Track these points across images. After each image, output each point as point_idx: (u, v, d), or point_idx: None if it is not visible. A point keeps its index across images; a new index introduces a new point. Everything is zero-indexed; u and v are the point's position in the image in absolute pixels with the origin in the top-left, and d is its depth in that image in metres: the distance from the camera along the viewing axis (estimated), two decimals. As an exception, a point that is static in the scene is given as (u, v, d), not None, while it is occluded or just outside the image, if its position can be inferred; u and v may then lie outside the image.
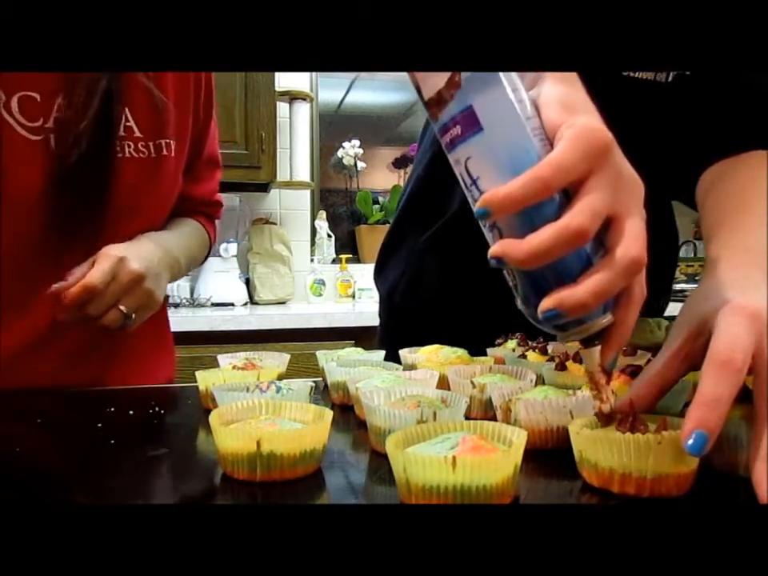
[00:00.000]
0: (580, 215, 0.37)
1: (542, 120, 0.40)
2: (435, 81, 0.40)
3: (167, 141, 0.82)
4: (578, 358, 0.61)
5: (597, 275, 0.38)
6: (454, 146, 0.40)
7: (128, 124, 0.77)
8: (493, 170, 0.39)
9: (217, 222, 1.05)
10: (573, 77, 0.43)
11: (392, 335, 0.99)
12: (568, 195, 0.39)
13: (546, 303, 0.39)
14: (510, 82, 0.40)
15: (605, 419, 0.43)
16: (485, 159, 0.39)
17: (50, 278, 0.71)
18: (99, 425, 0.59)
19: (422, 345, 0.72)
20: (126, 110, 0.77)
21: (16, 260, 0.75)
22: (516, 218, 0.39)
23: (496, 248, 0.39)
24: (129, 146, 0.78)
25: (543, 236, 0.37)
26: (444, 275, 0.91)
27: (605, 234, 0.40)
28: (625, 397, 0.45)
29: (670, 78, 0.73)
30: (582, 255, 0.39)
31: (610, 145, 0.39)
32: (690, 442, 0.37)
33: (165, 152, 0.81)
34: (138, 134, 0.78)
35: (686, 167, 0.72)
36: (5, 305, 0.76)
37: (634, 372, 0.52)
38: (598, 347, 0.42)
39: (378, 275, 1.02)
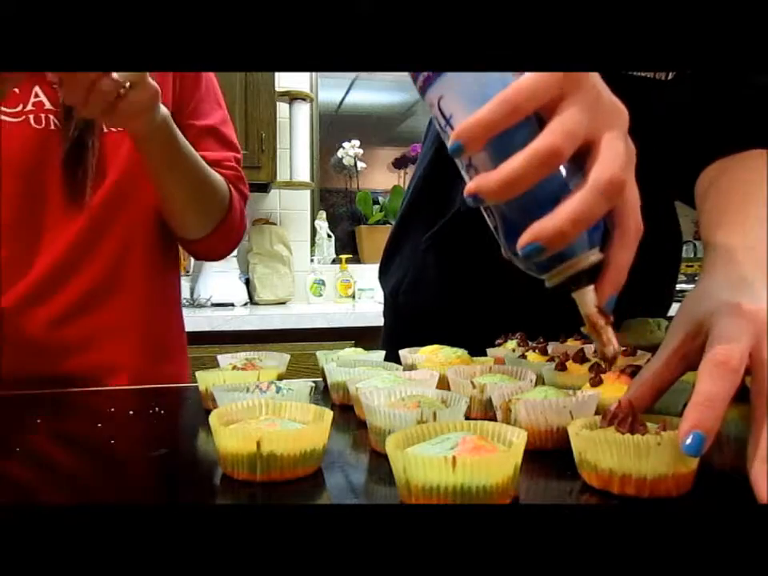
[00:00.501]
0: (551, 135, 0.36)
1: None
2: None
3: None
4: (578, 358, 0.61)
5: (572, 200, 0.36)
6: (426, 88, 0.39)
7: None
8: (464, 106, 0.38)
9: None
10: None
11: (396, 336, 0.99)
12: (543, 124, 0.37)
13: (524, 237, 0.37)
14: None
15: (608, 363, 0.42)
16: (456, 95, 0.38)
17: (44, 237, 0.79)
18: (99, 425, 0.59)
19: (424, 345, 0.72)
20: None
21: (13, 222, 0.81)
22: (491, 153, 0.37)
23: (470, 185, 0.37)
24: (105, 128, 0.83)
25: (515, 163, 0.35)
26: (445, 275, 0.91)
27: (584, 161, 0.38)
28: (623, 397, 0.45)
29: (669, 76, 0.73)
30: (560, 183, 0.37)
31: None
32: (688, 442, 0.37)
33: None
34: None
35: (684, 165, 0.72)
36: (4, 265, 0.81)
37: (634, 372, 0.52)
38: (591, 287, 0.40)
39: (383, 275, 1.03)
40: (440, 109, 0.39)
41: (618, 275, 0.40)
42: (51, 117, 0.81)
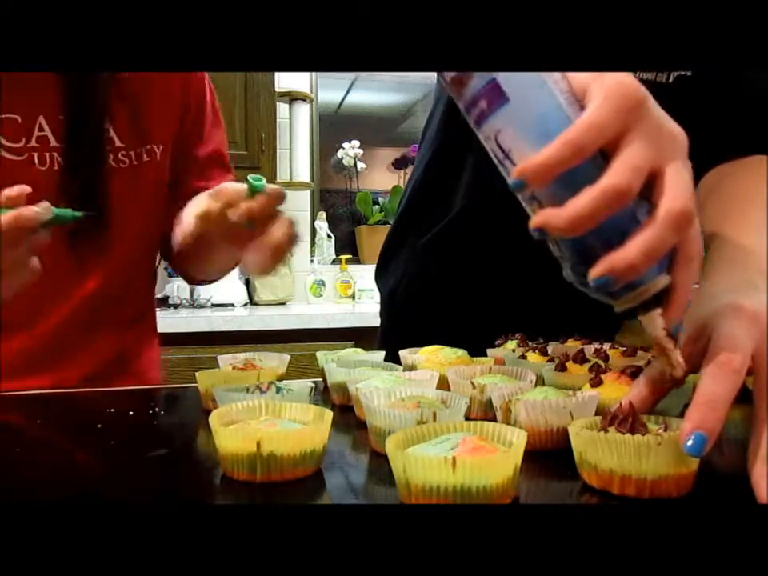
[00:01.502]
0: (620, 173, 0.36)
1: (569, 82, 0.39)
2: None
3: (149, 147, 0.82)
4: (578, 359, 0.61)
5: (645, 233, 0.37)
6: (481, 122, 0.39)
7: (108, 136, 0.78)
8: (524, 140, 0.38)
9: None
10: None
11: (393, 336, 0.99)
12: (606, 156, 0.37)
13: (596, 270, 0.37)
14: None
15: (677, 383, 0.42)
16: (515, 130, 0.38)
17: (46, 290, 0.72)
18: (99, 425, 0.59)
19: (423, 345, 0.72)
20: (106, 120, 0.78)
21: None
22: (554, 186, 0.37)
23: (537, 219, 0.37)
24: (109, 157, 0.78)
25: (584, 200, 0.36)
26: (445, 276, 0.91)
27: (649, 190, 0.38)
28: (624, 398, 0.45)
29: (670, 79, 0.73)
30: (628, 215, 0.37)
31: (643, 98, 0.38)
32: (689, 443, 0.37)
33: (147, 158, 0.81)
34: (118, 143, 0.79)
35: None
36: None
37: (633, 372, 0.52)
38: (658, 311, 0.40)
39: (380, 276, 1.02)
40: (498, 143, 0.39)
41: (684, 298, 0.40)
42: (56, 156, 0.74)
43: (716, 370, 0.39)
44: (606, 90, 0.37)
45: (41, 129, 0.73)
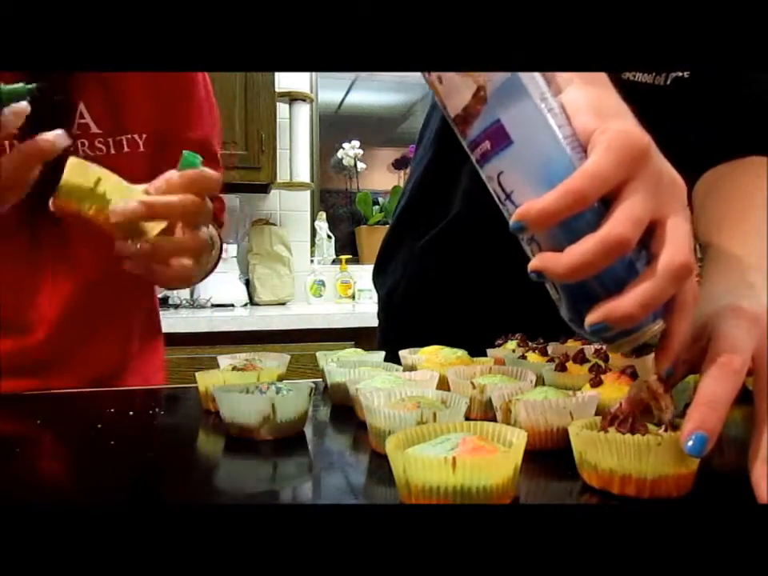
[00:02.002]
0: (620, 224, 0.36)
1: (573, 127, 0.39)
2: (460, 97, 0.39)
3: (129, 136, 0.78)
4: (578, 359, 0.61)
5: (644, 284, 0.37)
6: (484, 161, 0.40)
7: (82, 121, 0.74)
8: (526, 183, 0.38)
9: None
10: (601, 77, 0.42)
11: (391, 337, 0.99)
12: (607, 203, 0.37)
13: (593, 317, 0.37)
14: (537, 90, 0.39)
15: (670, 428, 0.42)
16: (517, 173, 0.38)
17: (20, 285, 0.71)
18: (99, 425, 0.59)
19: (422, 346, 0.72)
20: (81, 105, 0.74)
21: None
22: (554, 231, 0.37)
23: (535, 262, 0.38)
24: (83, 144, 0.75)
25: (583, 248, 0.36)
26: (444, 277, 0.91)
27: (649, 239, 0.38)
28: (624, 399, 0.44)
29: (668, 81, 0.73)
30: (627, 263, 0.38)
31: (647, 148, 0.38)
32: (690, 443, 0.37)
33: (127, 148, 0.78)
34: (94, 129, 0.75)
35: (683, 170, 0.73)
36: None
37: (633, 373, 0.52)
38: (651, 356, 0.41)
39: (377, 277, 1.02)
40: (500, 183, 0.39)
41: (678, 343, 0.40)
42: (16, 143, 0.68)
43: (716, 370, 0.39)
44: (609, 138, 0.37)
45: None
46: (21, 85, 0.55)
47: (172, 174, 0.59)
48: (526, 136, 0.38)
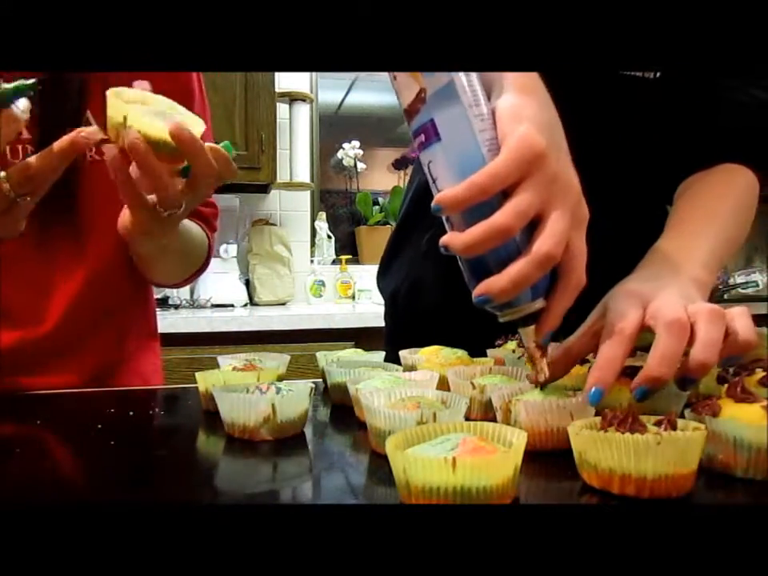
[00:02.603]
0: (505, 215, 0.44)
1: (494, 131, 0.46)
2: (408, 94, 0.46)
3: None
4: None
5: (516, 266, 0.44)
6: (420, 150, 0.48)
7: (89, 124, 0.75)
8: (447, 174, 0.46)
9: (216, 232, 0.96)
10: (534, 85, 0.49)
11: (397, 339, 0.99)
12: (507, 195, 0.45)
13: (478, 289, 0.46)
14: (470, 97, 0.45)
15: (539, 386, 0.51)
16: (441, 164, 0.46)
17: (31, 283, 0.73)
18: (99, 425, 0.59)
19: (423, 346, 0.72)
20: (88, 112, 0.75)
21: None
22: (463, 214, 0.46)
23: (443, 238, 0.46)
24: (90, 150, 0.76)
25: (476, 231, 0.44)
26: (444, 276, 0.91)
27: (535, 229, 0.45)
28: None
29: (657, 74, 0.75)
30: (512, 248, 0.45)
31: (541, 154, 0.44)
32: (590, 394, 0.47)
33: None
34: (101, 135, 0.76)
35: (666, 174, 0.75)
36: None
37: (633, 373, 0.52)
38: (532, 327, 0.49)
39: (382, 279, 1.02)
40: (429, 169, 0.48)
41: (553, 319, 0.49)
42: (29, 147, 0.73)
43: (611, 338, 0.49)
44: (512, 142, 0.44)
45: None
46: (23, 81, 0.55)
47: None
48: (452, 136, 0.46)
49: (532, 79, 0.49)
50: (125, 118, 0.55)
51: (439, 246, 0.46)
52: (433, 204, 0.45)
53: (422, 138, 0.47)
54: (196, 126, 0.60)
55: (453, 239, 0.45)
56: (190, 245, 0.85)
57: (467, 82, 0.45)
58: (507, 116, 0.46)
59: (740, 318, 0.51)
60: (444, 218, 0.48)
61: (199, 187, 0.63)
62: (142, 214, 0.63)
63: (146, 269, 0.86)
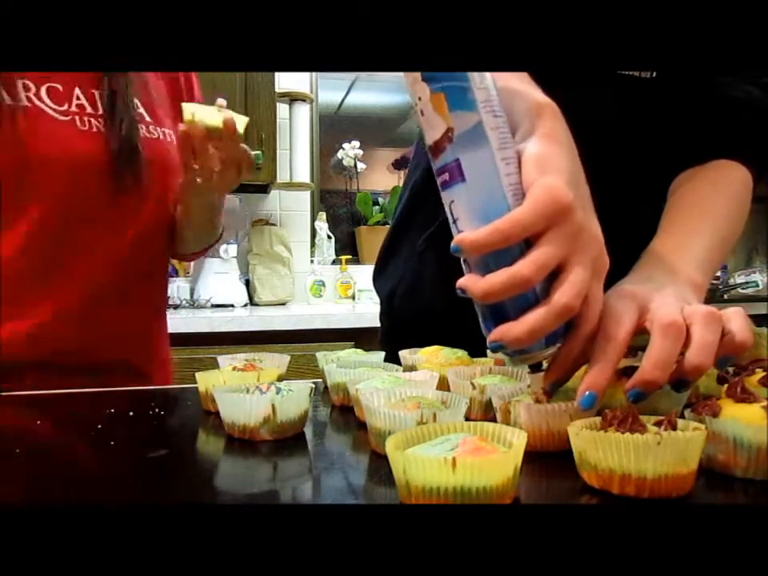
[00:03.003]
0: (527, 266, 0.43)
1: (519, 176, 0.46)
2: (434, 132, 0.46)
3: (166, 130, 0.93)
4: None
5: (532, 315, 0.44)
6: (443, 188, 0.47)
7: (139, 110, 0.91)
8: (469, 216, 0.46)
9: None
10: (562, 133, 0.48)
11: (392, 338, 0.99)
12: (530, 244, 0.44)
13: (492, 335, 0.46)
14: (498, 140, 0.45)
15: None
16: (464, 205, 0.46)
17: (82, 249, 0.84)
18: (99, 426, 0.59)
19: (422, 346, 0.72)
20: (135, 99, 0.91)
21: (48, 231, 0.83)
22: (481, 259, 0.45)
23: (461, 281, 0.46)
24: (142, 128, 0.90)
25: (496, 279, 0.44)
26: (442, 276, 0.91)
27: (556, 281, 0.45)
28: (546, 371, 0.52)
29: (653, 74, 0.75)
30: (530, 297, 0.45)
31: (568, 206, 0.44)
32: (582, 399, 0.47)
33: (169, 138, 0.94)
34: (147, 118, 0.91)
35: (662, 170, 0.75)
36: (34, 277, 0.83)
37: (632, 373, 0.52)
38: (542, 373, 0.50)
39: (377, 280, 1.02)
40: (451, 210, 0.47)
41: (561, 367, 0.49)
42: (93, 120, 0.85)
43: (604, 341, 0.49)
44: (537, 192, 0.44)
45: (78, 98, 0.86)
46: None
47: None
48: (477, 178, 0.45)
49: (560, 126, 0.48)
50: (193, 114, 0.82)
51: (456, 290, 0.46)
52: (453, 244, 0.45)
53: (446, 176, 0.46)
54: (241, 121, 0.85)
55: (472, 284, 0.45)
56: (219, 217, 1.04)
57: (495, 124, 0.45)
58: (534, 163, 0.45)
59: (736, 318, 0.51)
60: (462, 259, 0.48)
61: (229, 170, 0.87)
62: (189, 175, 0.88)
63: (181, 232, 1.00)
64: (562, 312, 0.44)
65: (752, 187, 0.72)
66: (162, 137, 0.92)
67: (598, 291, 0.48)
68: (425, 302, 0.93)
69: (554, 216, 0.44)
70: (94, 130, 0.85)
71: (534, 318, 0.44)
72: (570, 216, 0.44)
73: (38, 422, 0.61)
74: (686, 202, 0.69)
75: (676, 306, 0.50)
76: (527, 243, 0.45)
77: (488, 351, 0.75)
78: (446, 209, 0.47)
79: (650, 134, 0.78)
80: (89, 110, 0.86)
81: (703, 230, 0.65)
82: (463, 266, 0.48)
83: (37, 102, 0.82)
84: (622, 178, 0.81)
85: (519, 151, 0.46)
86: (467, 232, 0.44)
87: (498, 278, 0.43)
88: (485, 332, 0.47)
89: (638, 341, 0.69)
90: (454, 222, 0.47)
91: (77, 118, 0.84)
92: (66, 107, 0.84)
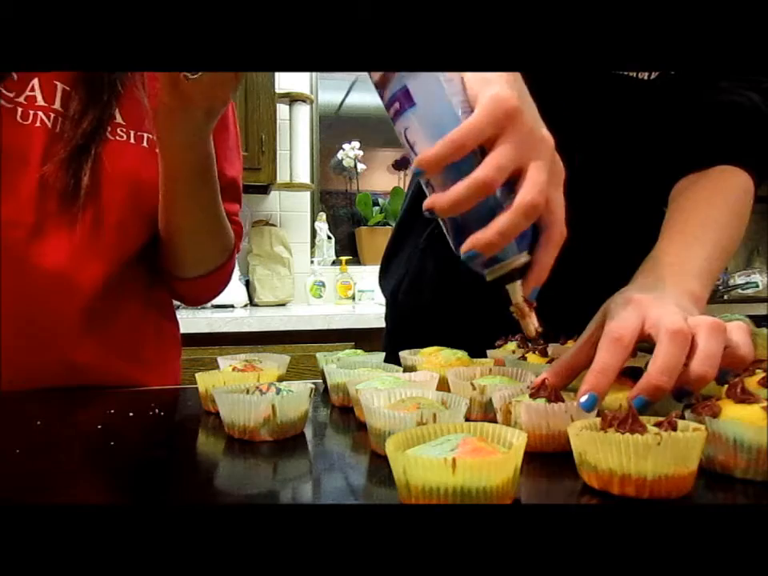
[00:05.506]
0: (486, 169, 0.44)
1: (466, 94, 0.47)
2: None
3: (149, 135, 0.83)
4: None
5: (501, 218, 0.45)
6: (395, 118, 0.49)
7: (110, 111, 0.82)
8: (424, 137, 0.47)
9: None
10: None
11: (397, 338, 0.99)
12: (485, 153, 0.45)
13: (465, 245, 0.46)
14: None
15: (533, 342, 0.53)
16: (418, 129, 0.47)
17: (42, 258, 0.75)
18: (99, 426, 0.58)
19: (423, 346, 0.72)
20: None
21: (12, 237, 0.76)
22: (442, 176, 0.46)
23: (426, 202, 0.46)
24: (108, 128, 0.81)
25: (459, 188, 0.44)
26: (444, 275, 0.91)
27: (515, 184, 0.46)
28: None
29: (652, 76, 0.75)
30: (494, 203, 0.46)
31: (515, 109, 0.45)
32: (583, 400, 0.47)
33: (146, 144, 0.83)
34: (118, 119, 0.82)
35: (662, 175, 0.75)
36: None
37: (632, 373, 0.52)
38: (519, 282, 0.49)
39: (382, 279, 1.03)
40: (406, 137, 0.48)
41: (540, 272, 0.49)
42: (40, 114, 0.77)
43: (608, 344, 0.49)
44: (486, 100, 0.45)
45: (32, 89, 0.79)
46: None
47: None
48: (426, 100, 0.47)
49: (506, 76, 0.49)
50: None
51: (423, 211, 0.46)
52: (413, 167, 0.45)
53: (397, 106, 0.48)
54: None
55: (436, 200, 0.45)
56: (219, 210, 0.85)
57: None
58: (476, 79, 0.47)
59: (738, 332, 0.51)
60: (424, 185, 0.49)
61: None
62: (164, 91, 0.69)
63: (171, 241, 0.86)
64: (529, 210, 0.45)
65: (753, 193, 0.72)
66: (131, 140, 0.82)
67: (558, 196, 0.49)
68: (427, 299, 0.93)
69: (504, 119, 0.45)
70: (37, 124, 0.77)
71: (502, 219, 0.45)
72: (519, 118, 0.45)
73: (38, 422, 0.61)
74: (688, 208, 0.69)
75: (680, 314, 0.50)
76: (483, 155, 0.45)
77: (488, 351, 0.76)
78: (402, 138, 0.49)
79: (650, 139, 0.78)
80: (39, 101, 0.78)
81: (704, 240, 0.65)
82: (427, 192, 0.48)
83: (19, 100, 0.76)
84: (623, 182, 0.81)
85: (461, 75, 0.48)
86: (425, 151, 0.45)
87: (461, 186, 0.44)
88: (456, 250, 0.48)
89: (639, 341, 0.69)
90: (411, 148, 0.48)
91: (19, 110, 0.76)
92: (12, 95, 0.77)
